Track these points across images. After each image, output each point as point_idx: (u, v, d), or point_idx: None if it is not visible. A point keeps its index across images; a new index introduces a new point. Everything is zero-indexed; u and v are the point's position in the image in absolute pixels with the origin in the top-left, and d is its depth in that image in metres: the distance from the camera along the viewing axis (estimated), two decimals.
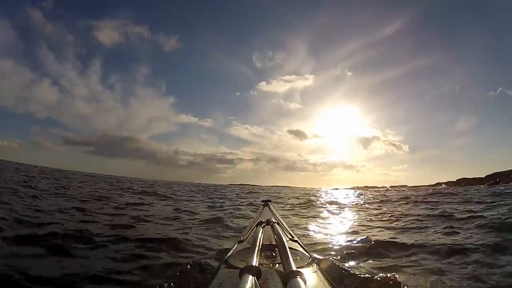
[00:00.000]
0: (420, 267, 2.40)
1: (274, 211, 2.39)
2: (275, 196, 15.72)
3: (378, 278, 2.06)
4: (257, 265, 0.90)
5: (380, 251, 2.82)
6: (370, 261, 2.54)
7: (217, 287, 0.96)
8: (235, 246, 1.42)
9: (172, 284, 1.91)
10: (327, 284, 0.98)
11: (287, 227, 1.89)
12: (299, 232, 4.10)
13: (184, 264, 2.23)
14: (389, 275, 2.11)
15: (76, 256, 2.48)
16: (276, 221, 1.74)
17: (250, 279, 0.76)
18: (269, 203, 2.72)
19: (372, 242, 3.15)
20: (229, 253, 1.30)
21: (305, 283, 0.75)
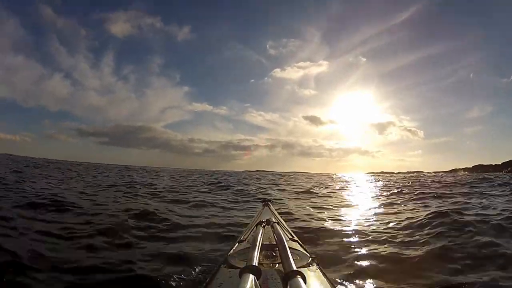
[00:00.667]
0: None
1: (274, 211, 2.39)
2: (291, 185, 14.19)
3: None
4: (257, 265, 0.90)
5: None
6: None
7: (217, 286, 0.96)
8: (235, 245, 1.42)
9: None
10: (327, 283, 0.98)
11: (287, 227, 1.89)
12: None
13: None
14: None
15: None
16: (276, 221, 1.74)
17: (250, 279, 0.76)
18: (269, 203, 2.72)
19: None
20: (229, 253, 1.30)
21: (305, 283, 0.75)
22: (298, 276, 0.77)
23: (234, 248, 1.38)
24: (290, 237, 1.55)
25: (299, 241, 1.52)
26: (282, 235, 1.27)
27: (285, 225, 1.95)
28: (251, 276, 0.77)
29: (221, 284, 0.97)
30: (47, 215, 3.79)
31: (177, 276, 2.01)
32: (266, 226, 1.56)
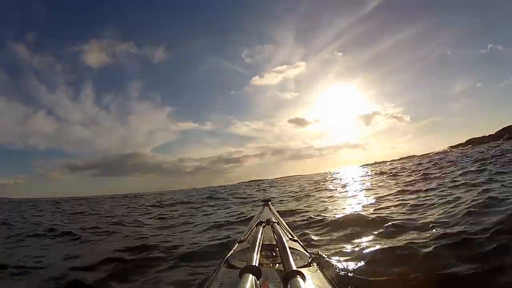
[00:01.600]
0: None
1: (274, 210, 2.39)
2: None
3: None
4: (257, 265, 0.90)
5: None
6: None
7: (217, 287, 0.96)
8: (235, 246, 1.42)
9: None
10: (327, 283, 0.98)
11: (287, 227, 1.89)
12: None
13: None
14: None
15: None
16: (276, 221, 1.74)
17: (250, 279, 0.76)
18: (269, 202, 2.72)
19: None
20: (229, 253, 1.30)
21: (305, 283, 0.75)
22: (298, 276, 0.77)
23: (234, 248, 1.38)
24: (290, 237, 1.55)
25: (299, 241, 1.52)
26: (282, 235, 1.27)
27: (285, 225, 1.95)
28: (251, 276, 0.77)
29: (221, 284, 0.97)
30: None
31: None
32: (266, 226, 1.56)
